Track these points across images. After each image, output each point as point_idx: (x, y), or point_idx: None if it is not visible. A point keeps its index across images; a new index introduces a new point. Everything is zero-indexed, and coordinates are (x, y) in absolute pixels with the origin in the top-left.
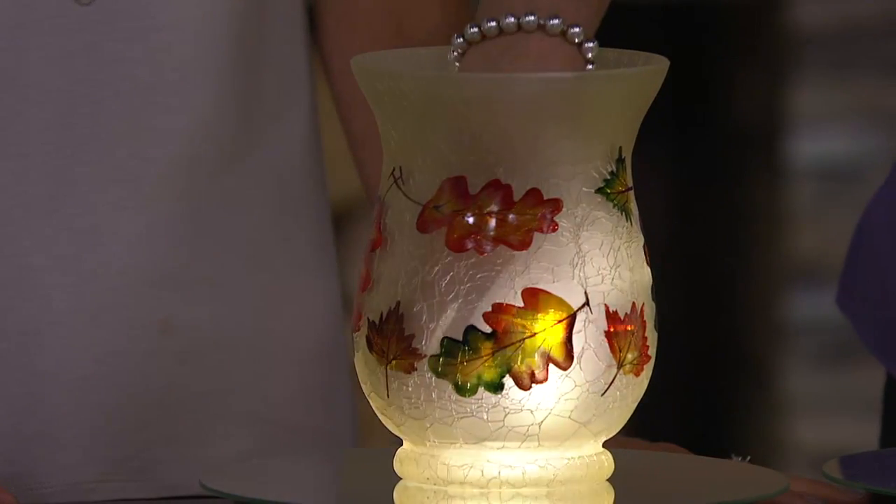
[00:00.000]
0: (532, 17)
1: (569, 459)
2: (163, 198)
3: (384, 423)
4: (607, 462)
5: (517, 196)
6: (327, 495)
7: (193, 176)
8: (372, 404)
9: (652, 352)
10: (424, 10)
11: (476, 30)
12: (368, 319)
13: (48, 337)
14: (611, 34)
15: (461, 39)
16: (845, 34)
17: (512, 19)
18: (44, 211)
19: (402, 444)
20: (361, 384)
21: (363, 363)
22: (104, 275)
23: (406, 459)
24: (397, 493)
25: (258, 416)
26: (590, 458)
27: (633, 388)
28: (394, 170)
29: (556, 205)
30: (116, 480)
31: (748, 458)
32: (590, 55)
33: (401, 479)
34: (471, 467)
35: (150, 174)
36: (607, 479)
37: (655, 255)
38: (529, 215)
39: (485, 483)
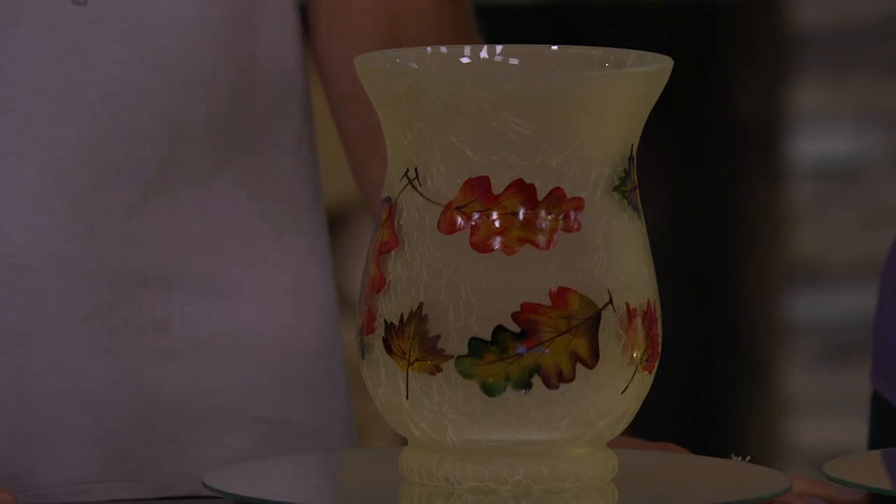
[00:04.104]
0: None
1: (579, 460)
2: (156, 197)
3: (393, 425)
4: (612, 462)
5: (541, 196)
6: (328, 495)
7: (187, 176)
8: (380, 406)
9: (660, 349)
10: (419, 11)
11: None
12: (385, 321)
13: (42, 336)
14: (612, 34)
15: None
16: (845, 34)
17: None
18: (37, 210)
19: (402, 444)
20: (369, 385)
21: (378, 365)
22: (98, 274)
23: (416, 460)
24: (402, 494)
25: (253, 416)
26: (597, 458)
27: (645, 386)
28: (407, 171)
29: (578, 204)
30: (111, 481)
31: (748, 458)
32: None
33: (403, 478)
34: (488, 466)
35: (143, 174)
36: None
37: (655, 254)
38: (554, 215)
39: (500, 482)
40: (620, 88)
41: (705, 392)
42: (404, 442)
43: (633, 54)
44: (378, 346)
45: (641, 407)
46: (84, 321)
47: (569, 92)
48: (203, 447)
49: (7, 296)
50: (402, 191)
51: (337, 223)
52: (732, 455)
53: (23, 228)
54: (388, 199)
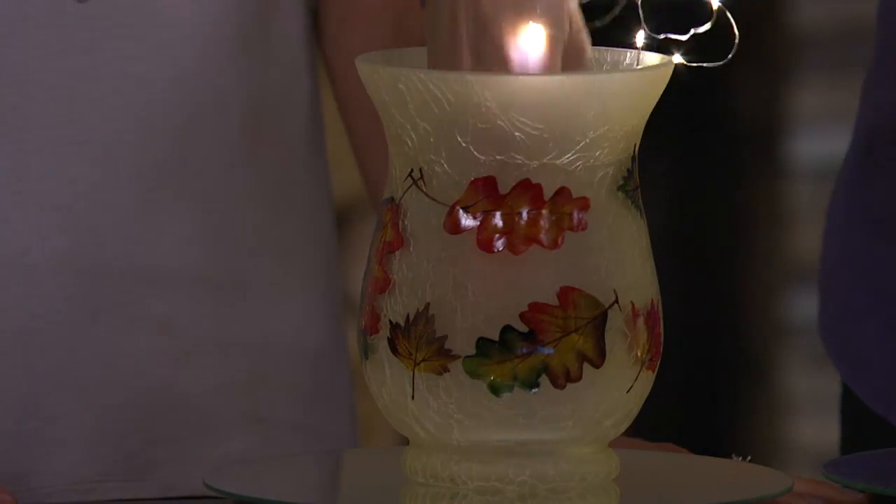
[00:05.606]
0: None
1: (584, 460)
2: (162, 197)
3: (396, 425)
4: (615, 462)
5: (547, 195)
6: (330, 495)
7: (193, 175)
8: (383, 406)
9: (661, 348)
10: None
11: None
12: (391, 322)
13: (48, 336)
14: (612, 33)
15: None
16: (845, 34)
17: None
18: (43, 208)
19: (404, 445)
20: (372, 386)
21: (382, 365)
22: (104, 274)
23: (420, 460)
24: (406, 494)
25: (258, 416)
26: (601, 457)
27: (648, 385)
28: (412, 171)
29: (584, 203)
30: (116, 480)
31: (748, 458)
32: None
33: (404, 478)
34: (494, 466)
35: (150, 172)
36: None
37: (655, 254)
38: (560, 214)
39: (506, 482)
40: (626, 88)
41: (705, 392)
42: (407, 442)
43: (635, 54)
44: (383, 346)
45: (642, 406)
46: (90, 320)
47: (576, 91)
48: (207, 447)
49: (13, 294)
50: (406, 191)
51: (340, 223)
52: (732, 455)
53: (29, 227)
54: (391, 199)
